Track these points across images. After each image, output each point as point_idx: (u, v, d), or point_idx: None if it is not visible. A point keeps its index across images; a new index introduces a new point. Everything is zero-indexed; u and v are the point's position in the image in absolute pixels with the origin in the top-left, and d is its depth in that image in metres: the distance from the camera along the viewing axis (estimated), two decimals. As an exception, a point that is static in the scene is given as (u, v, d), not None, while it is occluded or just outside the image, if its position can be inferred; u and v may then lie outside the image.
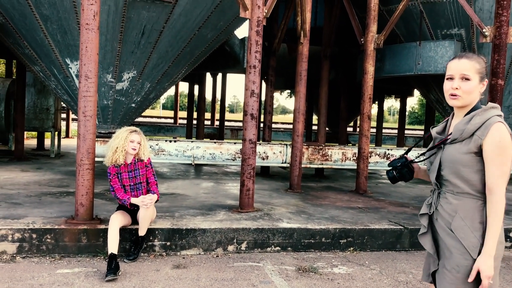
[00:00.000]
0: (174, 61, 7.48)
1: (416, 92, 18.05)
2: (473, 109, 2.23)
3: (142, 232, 4.82)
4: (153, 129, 15.82)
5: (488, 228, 2.07)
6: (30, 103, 11.22)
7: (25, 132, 15.46)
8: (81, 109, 4.93)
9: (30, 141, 15.10)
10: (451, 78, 2.24)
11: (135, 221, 4.98)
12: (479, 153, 2.13)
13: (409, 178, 2.54)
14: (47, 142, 13.47)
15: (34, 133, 15.11)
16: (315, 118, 15.89)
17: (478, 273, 2.07)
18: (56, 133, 11.75)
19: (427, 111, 14.58)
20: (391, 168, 2.57)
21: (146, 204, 4.65)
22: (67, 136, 17.77)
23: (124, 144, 4.74)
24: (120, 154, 4.75)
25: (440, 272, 2.26)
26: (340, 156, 8.88)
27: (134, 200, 4.75)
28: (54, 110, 11.47)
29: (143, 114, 31.14)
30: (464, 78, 2.19)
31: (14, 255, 4.68)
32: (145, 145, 4.89)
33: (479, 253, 2.10)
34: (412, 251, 5.69)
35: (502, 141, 2.07)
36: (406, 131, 18.64)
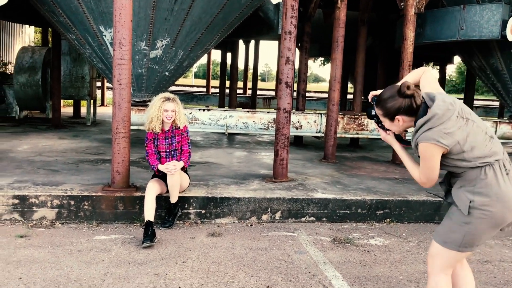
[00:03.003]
0: (208, 28, 7.35)
1: (456, 60, 17.36)
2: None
3: (173, 199, 4.83)
4: (186, 98, 15.85)
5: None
6: (65, 72, 11.35)
7: (62, 100, 15.77)
8: (115, 77, 4.90)
9: (67, 109, 15.39)
10: None
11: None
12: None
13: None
14: (83, 110, 13.69)
15: (71, 101, 15.38)
16: (349, 86, 15.55)
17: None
18: (92, 101, 11.90)
19: (467, 79, 13.99)
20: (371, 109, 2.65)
21: (170, 171, 4.64)
22: (102, 104, 18.03)
23: (159, 114, 4.71)
24: (155, 124, 4.74)
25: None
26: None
27: (160, 167, 4.75)
28: (89, 78, 11.59)
29: (176, 82, 31.21)
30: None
31: (54, 221, 4.79)
32: (180, 112, 4.84)
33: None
34: (451, 223, 5.52)
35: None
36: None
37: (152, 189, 4.57)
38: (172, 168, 4.65)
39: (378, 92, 2.60)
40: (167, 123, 4.84)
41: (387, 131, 2.71)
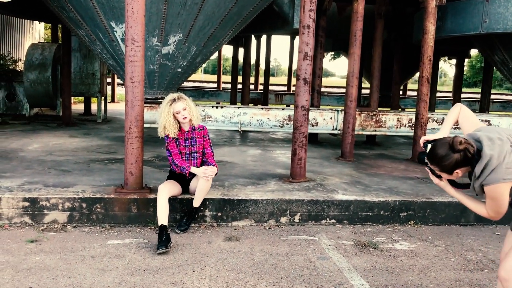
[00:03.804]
0: (221, 22, 7.12)
1: (471, 53, 16.94)
2: None
3: (197, 203, 4.63)
4: (197, 94, 15.64)
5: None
6: (76, 68, 11.20)
7: (72, 97, 15.66)
8: (128, 74, 4.71)
9: (77, 106, 15.27)
10: None
11: (185, 190, 4.81)
12: None
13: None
14: (94, 107, 13.56)
15: (81, 98, 15.24)
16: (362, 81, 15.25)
17: None
18: (102, 98, 11.75)
19: (484, 73, 13.66)
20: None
21: (207, 177, 4.44)
22: (112, 101, 17.89)
23: (170, 120, 4.49)
24: (170, 130, 4.53)
25: None
26: (394, 123, 8.40)
27: (194, 170, 4.53)
28: (99, 75, 11.42)
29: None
30: None
31: (65, 224, 4.62)
32: (192, 107, 4.61)
33: None
34: (478, 225, 5.28)
35: None
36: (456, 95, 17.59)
37: (164, 192, 4.37)
38: (210, 174, 4.46)
39: (430, 137, 2.56)
40: (186, 124, 4.63)
41: (441, 178, 2.63)
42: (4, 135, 8.42)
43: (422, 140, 2.64)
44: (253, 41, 16.03)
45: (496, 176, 2.31)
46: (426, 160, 2.56)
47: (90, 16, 6.87)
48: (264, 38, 15.08)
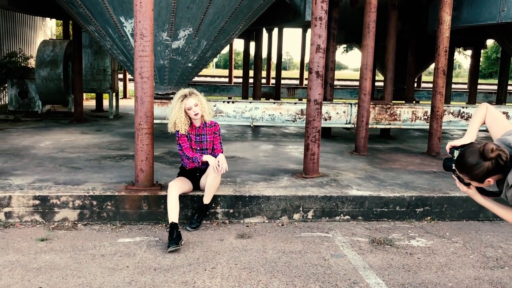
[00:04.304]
0: (231, 16, 7.01)
1: (487, 44, 16.58)
2: None
3: (207, 200, 4.56)
4: (208, 89, 15.57)
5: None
6: (87, 65, 11.18)
7: (84, 94, 15.69)
8: (137, 70, 4.63)
9: (90, 102, 15.30)
10: None
11: (196, 187, 4.74)
12: None
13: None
14: (106, 103, 13.55)
15: (93, 94, 15.26)
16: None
17: None
18: (114, 94, 11.73)
19: (501, 64, 13.37)
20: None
21: (218, 168, 4.33)
22: (124, 96, 17.92)
23: (181, 116, 4.41)
24: (180, 126, 4.45)
25: None
26: (409, 116, 8.23)
27: (207, 157, 4.42)
28: (111, 71, 11.40)
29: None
30: None
31: (76, 222, 4.58)
32: (203, 103, 4.52)
33: None
34: (497, 221, 5.12)
35: None
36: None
37: (175, 188, 4.30)
38: (222, 165, 4.35)
39: (457, 143, 2.41)
40: (197, 120, 4.55)
41: (469, 186, 2.47)
42: (16, 132, 8.43)
43: (448, 146, 2.50)
44: (265, 35, 15.89)
45: None
46: (453, 168, 2.42)
47: (99, 11, 6.81)
48: (275, 31, 14.93)
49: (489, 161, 2.21)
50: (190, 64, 7.39)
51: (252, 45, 13.35)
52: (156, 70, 7.21)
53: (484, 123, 2.58)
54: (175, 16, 6.58)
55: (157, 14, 6.42)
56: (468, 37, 12.37)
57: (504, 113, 8.22)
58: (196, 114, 4.47)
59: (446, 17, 7.01)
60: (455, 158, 2.40)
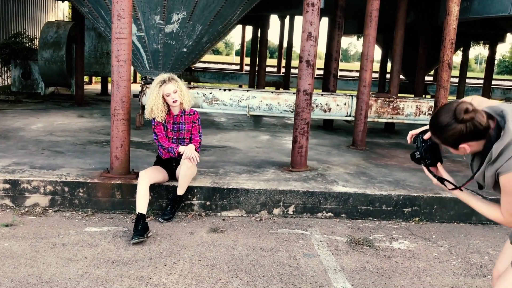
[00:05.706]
0: (227, 0, 6.76)
1: (508, 38, 15.93)
2: None
3: (181, 191, 4.38)
4: (217, 76, 15.37)
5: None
6: (90, 47, 11.08)
7: (93, 77, 15.63)
8: (114, 52, 4.45)
9: (97, 85, 15.24)
10: None
11: (172, 177, 4.56)
12: None
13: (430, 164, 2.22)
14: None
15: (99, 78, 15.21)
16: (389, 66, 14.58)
17: None
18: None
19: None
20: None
21: (190, 158, 4.16)
22: (134, 81, 17.82)
23: (158, 102, 4.21)
24: (157, 113, 4.25)
25: None
26: (413, 110, 7.90)
27: (183, 148, 4.25)
28: (115, 54, 11.24)
29: (215, 60, 30.58)
30: None
31: (47, 208, 4.46)
32: (183, 90, 4.32)
33: None
34: (490, 225, 4.84)
35: None
36: (493, 82, 16.70)
37: (145, 178, 4.12)
38: (195, 155, 4.19)
39: (417, 131, 2.18)
40: (176, 107, 4.35)
41: (436, 176, 2.23)
42: (12, 113, 8.38)
43: (409, 136, 2.24)
44: (277, 22, 15.56)
45: None
46: (417, 156, 2.19)
47: (92, -8, 6.65)
48: (287, 19, 14.59)
49: (463, 123, 1.89)
50: (185, 49, 7.19)
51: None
52: (150, 54, 7.03)
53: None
54: (168, -2, 6.38)
55: (149, -4, 6.23)
56: (486, 31, 11.87)
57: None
58: (174, 101, 4.27)
59: (454, 7, 6.64)
60: (418, 146, 2.16)
